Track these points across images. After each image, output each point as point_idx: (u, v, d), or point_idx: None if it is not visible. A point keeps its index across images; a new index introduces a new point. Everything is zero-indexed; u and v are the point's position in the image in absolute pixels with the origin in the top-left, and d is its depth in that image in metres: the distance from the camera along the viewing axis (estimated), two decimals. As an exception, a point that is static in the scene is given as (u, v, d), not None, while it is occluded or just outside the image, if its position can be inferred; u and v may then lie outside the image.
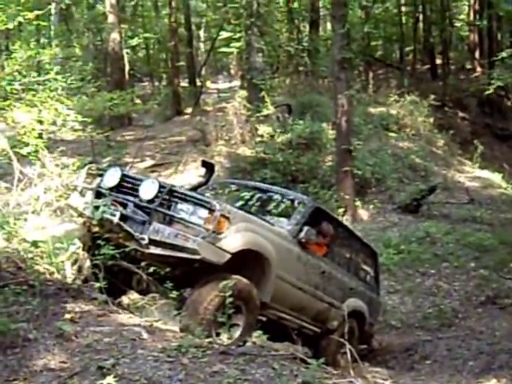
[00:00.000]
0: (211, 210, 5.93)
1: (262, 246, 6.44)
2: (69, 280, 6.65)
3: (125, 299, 7.13)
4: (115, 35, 24.07)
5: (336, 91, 14.40)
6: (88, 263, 6.72)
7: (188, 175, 17.37)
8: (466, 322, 11.34)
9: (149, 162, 19.11)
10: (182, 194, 6.21)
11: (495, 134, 26.36)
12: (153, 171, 18.06)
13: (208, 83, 33.20)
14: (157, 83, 35.90)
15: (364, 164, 16.14)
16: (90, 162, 10.23)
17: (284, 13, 27.17)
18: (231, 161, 17.21)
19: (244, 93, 18.69)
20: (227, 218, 6.01)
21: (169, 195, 6.18)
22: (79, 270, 6.84)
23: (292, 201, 7.95)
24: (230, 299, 5.79)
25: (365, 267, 9.07)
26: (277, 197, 8.12)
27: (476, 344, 9.59)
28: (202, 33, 42.75)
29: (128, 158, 19.36)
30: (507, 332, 10.55)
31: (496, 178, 19.53)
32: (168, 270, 6.04)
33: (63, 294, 5.83)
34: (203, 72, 32.08)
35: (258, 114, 17.45)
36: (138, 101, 25.36)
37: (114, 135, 21.82)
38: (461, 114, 26.72)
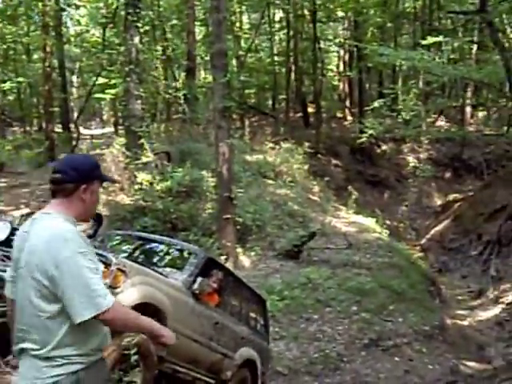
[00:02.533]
0: (107, 264, 5.76)
1: (157, 299, 6.31)
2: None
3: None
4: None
5: (217, 139, 14.47)
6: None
7: (66, 224, 16.90)
8: (351, 366, 11.52)
9: (24, 210, 18.48)
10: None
11: (367, 181, 27.31)
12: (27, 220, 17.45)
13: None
14: (28, 128, 35.08)
15: (244, 211, 16.23)
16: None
17: (161, 60, 27.25)
18: (110, 209, 16.88)
19: (122, 140, 18.46)
20: (123, 272, 5.86)
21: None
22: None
23: (181, 251, 7.87)
24: (128, 355, 5.63)
25: (255, 315, 9.06)
26: (163, 247, 8.04)
27: (365, 389, 9.75)
28: (75, 78, 42.33)
29: (2, 206, 18.69)
30: (390, 374, 10.79)
31: (370, 222, 20.12)
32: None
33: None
34: (78, 118, 31.55)
35: (137, 162, 17.21)
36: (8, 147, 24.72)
37: (-16, 182, 21.09)
38: (334, 161, 27.50)
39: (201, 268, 7.39)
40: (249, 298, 8.88)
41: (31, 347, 3.31)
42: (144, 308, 6.13)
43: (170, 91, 23.84)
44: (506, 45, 24.15)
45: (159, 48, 26.51)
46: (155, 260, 7.78)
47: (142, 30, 19.27)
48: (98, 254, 5.78)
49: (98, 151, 23.43)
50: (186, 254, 7.75)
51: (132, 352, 5.58)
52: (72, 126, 30.34)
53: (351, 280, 14.21)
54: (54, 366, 3.29)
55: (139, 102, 18.26)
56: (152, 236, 8.93)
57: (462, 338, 14.34)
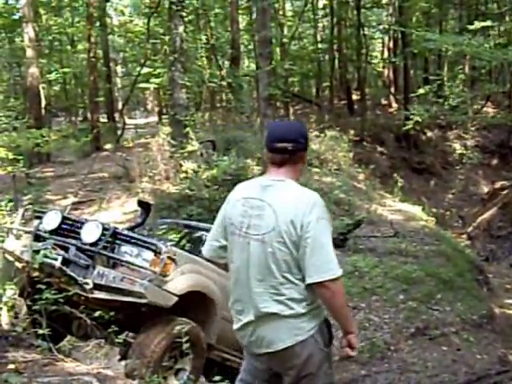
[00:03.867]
0: (157, 252, 5.81)
1: (207, 287, 6.35)
2: (6, 327, 6.38)
3: (65, 344, 6.87)
4: (34, 70, 23.64)
5: (263, 127, 14.46)
6: (25, 309, 6.47)
7: (112, 213, 17.11)
8: (398, 354, 11.41)
9: (71, 199, 18.72)
10: (126, 236, 6.07)
11: (412, 168, 27.06)
12: (76, 209, 17.69)
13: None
14: (73, 118, 35.48)
15: (290, 199, 16.19)
16: (10, 200, 9.95)
17: (206, 49, 27.29)
18: (156, 198, 16.99)
19: (168, 129, 18.55)
20: (173, 260, 5.90)
21: (112, 238, 6.03)
22: (16, 316, 6.58)
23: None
24: (178, 343, 5.68)
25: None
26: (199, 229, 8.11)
27: (415, 377, 9.67)
28: (119, 68, 42.66)
29: (49, 196, 18.95)
30: (438, 363, 10.70)
31: (416, 210, 19.93)
32: (112, 314, 5.86)
33: (2, 342, 5.55)
34: (123, 108, 31.79)
35: (182, 151, 17.31)
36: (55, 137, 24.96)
37: (34, 172, 21.34)
38: (379, 149, 27.30)
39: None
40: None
41: (280, 309, 3.55)
42: (194, 296, 6.18)
43: (214, 80, 23.89)
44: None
45: (203, 37, 26.52)
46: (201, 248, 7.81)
47: (186, 19, 19.29)
48: (147, 242, 5.89)
49: (143, 140, 23.58)
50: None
51: (183, 340, 5.61)
52: (117, 115, 30.59)
53: (398, 268, 14.06)
54: (310, 318, 3.60)
55: (184, 91, 18.33)
56: (199, 224, 8.96)
57: (510, 328, 14.10)
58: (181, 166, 17.37)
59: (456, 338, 12.45)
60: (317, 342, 3.66)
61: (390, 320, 12.55)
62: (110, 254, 5.94)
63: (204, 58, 27.25)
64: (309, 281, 3.48)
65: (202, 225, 8.82)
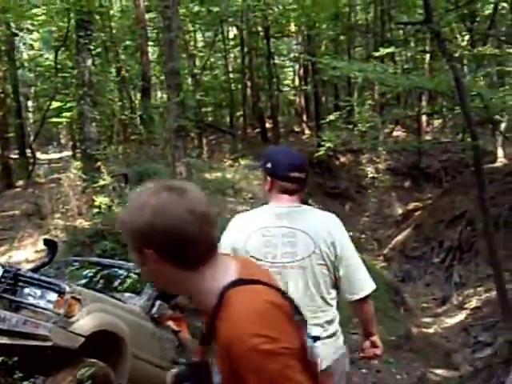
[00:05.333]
0: (61, 293, 5.65)
1: (115, 325, 6.21)
2: None
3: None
4: None
5: (174, 159, 14.37)
6: None
7: (25, 251, 16.65)
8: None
9: (-19, 241, 18.13)
10: (28, 277, 5.89)
11: (327, 193, 27.35)
12: (-14, 249, 17.15)
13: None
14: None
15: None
16: None
17: (116, 82, 27.07)
18: (69, 234, 16.63)
19: (79, 164, 18.25)
20: (78, 300, 5.75)
21: (14, 280, 5.84)
22: None
23: (139, 275, 7.77)
24: (87, 384, 5.52)
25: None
26: (122, 272, 7.93)
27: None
28: (30, 103, 41.91)
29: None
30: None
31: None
32: (16, 358, 5.67)
33: None
34: (33, 143, 31.11)
35: (95, 185, 17.04)
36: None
37: None
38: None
39: (159, 292, 7.29)
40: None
41: (319, 332, 3.42)
42: (102, 335, 6.03)
43: (125, 112, 23.71)
44: (457, 54, 24.52)
45: (113, 70, 26.33)
46: (115, 285, 7.67)
47: (94, 52, 19.11)
48: (50, 283, 5.72)
49: (56, 175, 23.12)
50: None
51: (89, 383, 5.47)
52: (29, 151, 29.94)
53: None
54: (339, 336, 3.81)
55: (94, 124, 18.10)
56: (111, 261, 8.82)
57: (428, 346, 14.33)
58: (93, 200, 17.08)
59: (375, 360, 12.56)
60: (345, 355, 3.91)
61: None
62: (12, 297, 5.75)
63: (115, 91, 27.04)
64: (355, 297, 3.68)
65: (113, 262, 8.68)
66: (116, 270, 8.01)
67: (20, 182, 25.72)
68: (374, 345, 4.02)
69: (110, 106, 23.54)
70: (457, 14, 19.33)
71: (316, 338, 2.58)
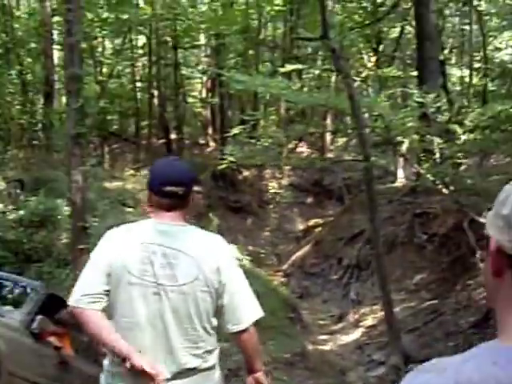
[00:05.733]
0: None
1: (-11, 341, 5.87)
2: None
3: None
4: None
5: (70, 167, 13.93)
6: None
7: None
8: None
9: None
10: None
11: (229, 207, 27.27)
12: None
13: None
14: None
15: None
16: None
17: (16, 84, 26.26)
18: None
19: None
20: None
21: None
22: None
23: (24, 288, 7.41)
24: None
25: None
26: (6, 284, 7.55)
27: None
28: None
29: None
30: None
31: (232, 249, 20.01)
32: None
33: None
34: None
35: (-13, 191, 16.44)
36: None
37: None
38: (196, 188, 27.23)
39: (41, 305, 6.97)
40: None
41: (198, 363, 3.35)
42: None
43: (23, 117, 23.04)
44: (363, 74, 24.96)
45: (13, 72, 25.52)
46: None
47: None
48: None
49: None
50: (25, 291, 7.30)
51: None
52: None
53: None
54: (217, 366, 3.55)
55: (-11, 128, 17.53)
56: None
57: (323, 364, 14.35)
58: (-15, 206, 16.47)
59: (268, 378, 12.45)
60: None
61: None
62: None
63: (16, 94, 26.21)
64: (238, 328, 3.43)
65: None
66: (4, 281, 7.60)
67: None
68: (258, 382, 3.69)
69: (7, 109, 22.83)
70: (361, 33, 19.62)
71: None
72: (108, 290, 3.31)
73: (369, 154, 11.77)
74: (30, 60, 28.90)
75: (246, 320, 3.43)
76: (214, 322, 3.40)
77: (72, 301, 3.39)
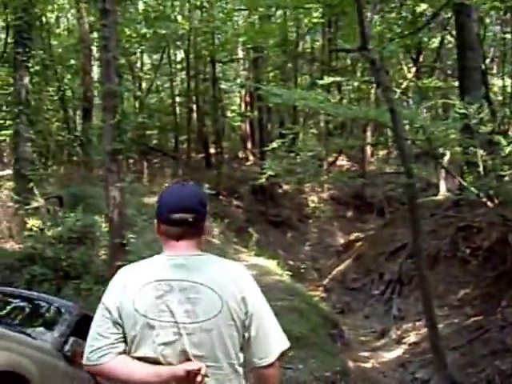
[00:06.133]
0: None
1: (20, 365, 5.68)
2: None
3: None
4: None
5: (108, 183, 13.85)
6: None
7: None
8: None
9: None
10: None
11: (269, 221, 27.10)
12: None
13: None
14: None
15: (138, 257, 15.56)
16: None
17: (54, 101, 26.45)
18: (-1, 257, 16.01)
19: (11, 183, 17.66)
20: (-24, 338, 5.25)
21: None
22: None
23: (58, 308, 7.25)
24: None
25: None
26: (40, 304, 7.40)
27: None
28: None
29: None
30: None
31: (272, 264, 19.79)
32: None
33: None
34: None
35: (27, 207, 16.43)
36: None
37: None
38: (235, 202, 27.22)
39: (74, 327, 6.81)
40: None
41: None
42: (6, 377, 5.52)
43: (61, 133, 23.15)
44: (403, 85, 24.60)
45: (51, 89, 25.69)
46: (24, 319, 7.14)
47: (32, 70, 18.60)
48: None
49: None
50: (59, 311, 7.15)
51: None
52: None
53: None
54: None
55: (29, 144, 17.55)
56: (22, 292, 8.26)
57: (365, 382, 14.02)
58: (25, 223, 16.47)
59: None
60: None
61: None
62: None
63: (56, 111, 26.40)
64: (264, 362, 3.08)
65: (24, 292, 8.13)
66: (27, 302, 7.43)
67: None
68: None
69: (46, 125, 22.95)
70: (400, 44, 19.30)
71: None
72: (121, 337, 3.02)
73: (411, 170, 11.45)
74: (68, 76, 29.16)
75: (273, 352, 3.10)
76: (242, 357, 3.11)
77: (84, 359, 3.10)
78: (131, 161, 28.70)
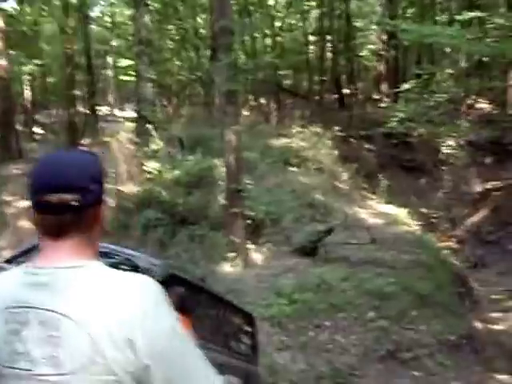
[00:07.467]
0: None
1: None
2: None
3: None
4: (2, 61, 22.48)
5: (223, 126, 13.21)
6: None
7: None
8: (364, 381, 10.35)
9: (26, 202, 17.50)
10: None
11: (402, 166, 25.81)
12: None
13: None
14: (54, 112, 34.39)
15: (258, 203, 14.96)
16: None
17: (178, 40, 25.92)
18: (117, 199, 15.82)
19: (130, 125, 17.38)
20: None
21: None
22: None
23: (137, 267, 6.60)
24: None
25: (239, 336, 7.83)
26: (125, 262, 6.77)
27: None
28: (109, 60, 41.47)
29: (7, 196, 17.90)
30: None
31: (401, 213, 18.76)
32: None
33: None
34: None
35: (146, 149, 16.12)
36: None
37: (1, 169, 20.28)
38: (366, 146, 26.08)
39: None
40: (230, 316, 7.64)
41: None
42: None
43: (183, 73, 22.63)
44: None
45: (171, 27, 25.12)
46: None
47: (152, 8, 18.14)
48: None
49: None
50: (146, 270, 6.51)
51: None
52: (104, 108, 29.53)
53: (371, 281, 12.77)
54: None
55: (150, 84, 17.15)
56: (106, 246, 7.60)
57: (493, 346, 12.87)
58: (144, 165, 16.17)
59: (430, 361, 11.26)
60: None
61: (358, 341, 11.37)
62: None
63: (181, 50, 25.87)
64: None
65: (122, 250, 7.37)
66: (121, 259, 6.69)
67: (86, 140, 25.24)
68: None
69: (168, 65, 22.48)
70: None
71: None
72: None
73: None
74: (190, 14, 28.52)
75: None
76: None
77: None
78: (263, 102, 28.02)
